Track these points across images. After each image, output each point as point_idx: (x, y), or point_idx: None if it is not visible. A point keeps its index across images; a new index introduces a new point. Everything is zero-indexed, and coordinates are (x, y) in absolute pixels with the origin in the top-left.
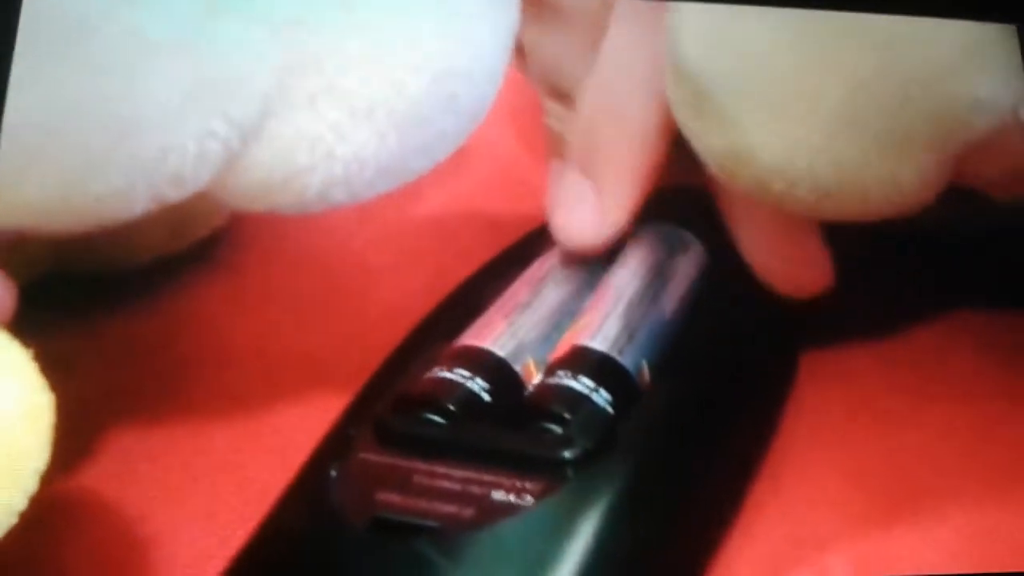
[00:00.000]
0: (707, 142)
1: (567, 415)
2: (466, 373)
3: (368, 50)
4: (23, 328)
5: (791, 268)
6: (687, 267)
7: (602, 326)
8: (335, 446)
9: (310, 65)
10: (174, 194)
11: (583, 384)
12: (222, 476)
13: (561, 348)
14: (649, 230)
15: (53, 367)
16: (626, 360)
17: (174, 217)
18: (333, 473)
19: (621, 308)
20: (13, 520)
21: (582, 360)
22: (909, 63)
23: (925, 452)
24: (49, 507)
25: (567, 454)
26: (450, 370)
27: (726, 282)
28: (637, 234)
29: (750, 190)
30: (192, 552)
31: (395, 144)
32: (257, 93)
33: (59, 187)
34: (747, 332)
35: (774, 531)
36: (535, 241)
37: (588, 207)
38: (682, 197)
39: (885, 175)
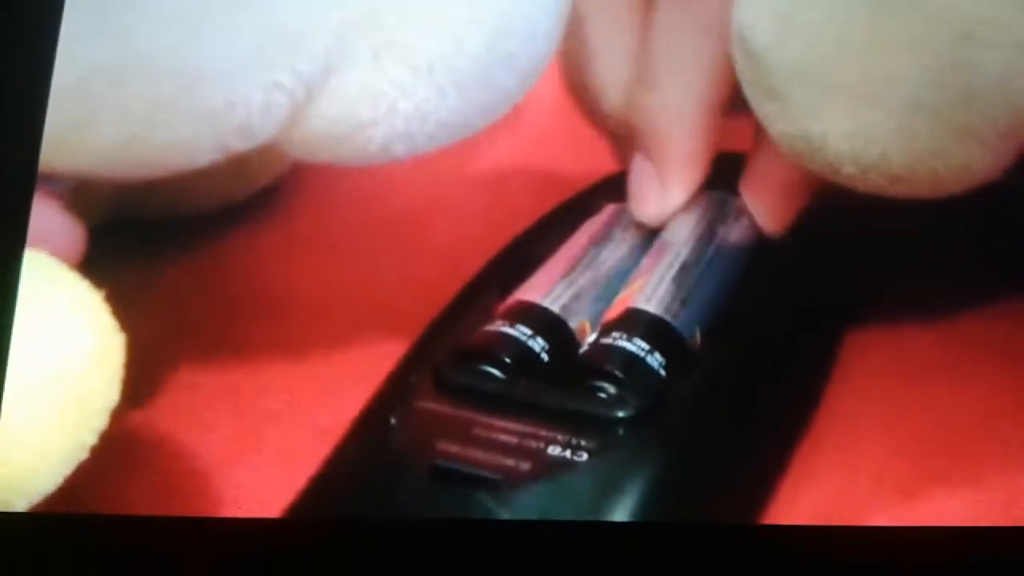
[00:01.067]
0: (779, 127)
1: (621, 375)
2: (527, 331)
3: (428, 7)
4: (90, 269)
5: (770, 210)
6: (739, 233)
7: (656, 289)
8: (395, 393)
9: (372, 21)
10: (240, 145)
11: (637, 346)
12: (280, 414)
13: (616, 309)
14: (702, 195)
15: (120, 308)
16: (679, 324)
17: (237, 166)
18: (393, 420)
19: (675, 272)
20: (84, 455)
21: (637, 322)
22: (982, 52)
23: (970, 416)
24: (115, 441)
25: (620, 413)
26: (512, 326)
27: (776, 249)
28: (691, 198)
29: (821, 172)
30: (251, 486)
31: (455, 100)
32: (321, 47)
33: (125, 135)
34: (797, 297)
35: (820, 487)
36: (592, 196)
37: (651, 187)
38: (733, 162)
39: (958, 161)
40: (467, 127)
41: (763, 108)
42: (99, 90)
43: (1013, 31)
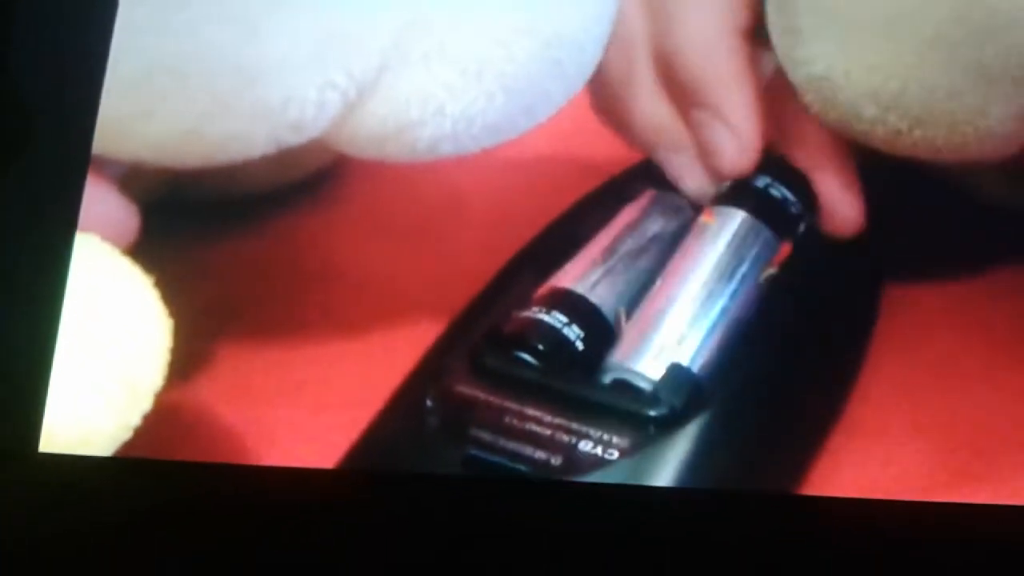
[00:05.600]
0: (806, 70)
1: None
2: (563, 319)
3: (480, 14)
4: (141, 248)
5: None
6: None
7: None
8: (431, 373)
9: (425, 26)
10: (293, 139)
11: (555, 318)
12: (321, 389)
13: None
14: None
15: (169, 287)
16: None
17: (286, 154)
18: (429, 402)
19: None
20: (128, 436)
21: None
22: None
23: (1001, 417)
24: (160, 413)
25: (653, 412)
26: (548, 312)
27: (810, 251)
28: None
29: (843, 120)
30: (291, 459)
31: (502, 104)
32: (375, 49)
33: (185, 128)
34: (828, 300)
35: (847, 484)
36: (630, 180)
37: (727, 141)
38: None
39: (974, 104)
40: (512, 129)
41: (792, 54)
42: (161, 82)
43: None
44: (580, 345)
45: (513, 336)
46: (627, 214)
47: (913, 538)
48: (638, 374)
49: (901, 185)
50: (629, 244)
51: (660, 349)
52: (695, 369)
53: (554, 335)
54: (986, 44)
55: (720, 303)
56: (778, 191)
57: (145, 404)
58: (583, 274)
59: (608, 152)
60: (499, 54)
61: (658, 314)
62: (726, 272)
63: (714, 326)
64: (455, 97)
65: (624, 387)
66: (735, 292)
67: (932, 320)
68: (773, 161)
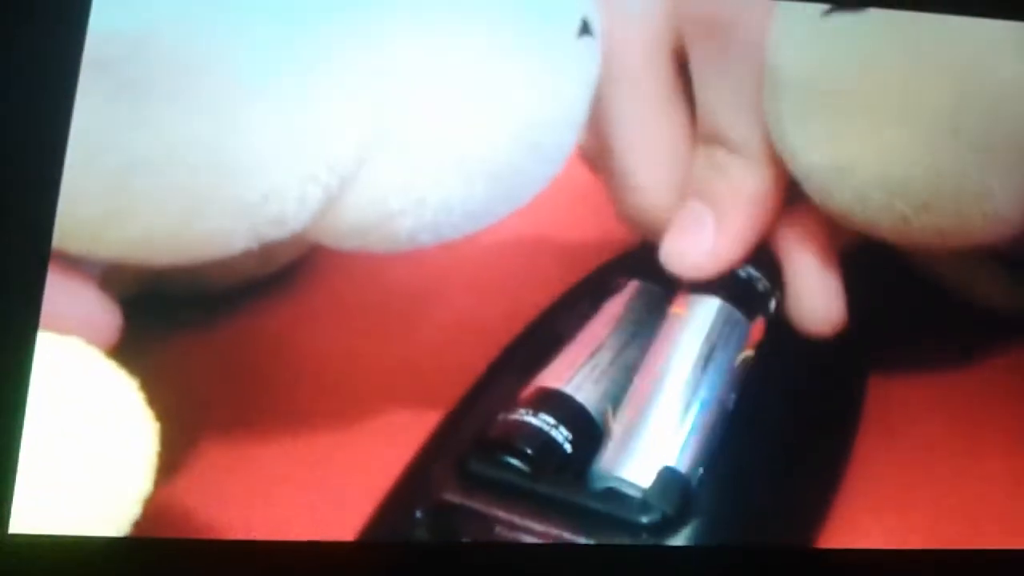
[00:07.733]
0: (808, 158)
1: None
2: (550, 420)
3: (457, 101)
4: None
5: (825, 303)
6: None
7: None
8: (418, 482)
9: (403, 114)
10: (274, 234)
11: (543, 420)
12: (300, 488)
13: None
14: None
15: (150, 388)
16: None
17: (266, 245)
18: (419, 514)
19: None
20: None
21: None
22: (1002, 77)
23: (971, 496)
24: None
25: (645, 519)
26: (535, 415)
27: (793, 338)
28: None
29: (847, 208)
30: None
31: (482, 191)
32: (354, 140)
33: (165, 225)
34: (814, 390)
35: None
36: (610, 273)
37: (705, 233)
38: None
39: (981, 187)
40: (492, 215)
41: (792, 140)
42: (138, 181)
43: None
44: (568, 448)
45: (500, 440)
46: (609, 308)
47: None
48: (627, 481)
49: (885, 280)
50: (613, 339)
51: (646, 451)
52: (684, 468)
53: (542, 438)
54: (991, 128)
55: (701, 396)
56: (745, 271)
57: (133, 511)
58: (568, 373)
59: (593, 237)
60: (478, 140)
61: (641, 415)
62: (703, 364)
63: (698, 422)
64: (436, 185)
65: (614, 494)
66: (714, 383)
67: (916, 410)
68: None
